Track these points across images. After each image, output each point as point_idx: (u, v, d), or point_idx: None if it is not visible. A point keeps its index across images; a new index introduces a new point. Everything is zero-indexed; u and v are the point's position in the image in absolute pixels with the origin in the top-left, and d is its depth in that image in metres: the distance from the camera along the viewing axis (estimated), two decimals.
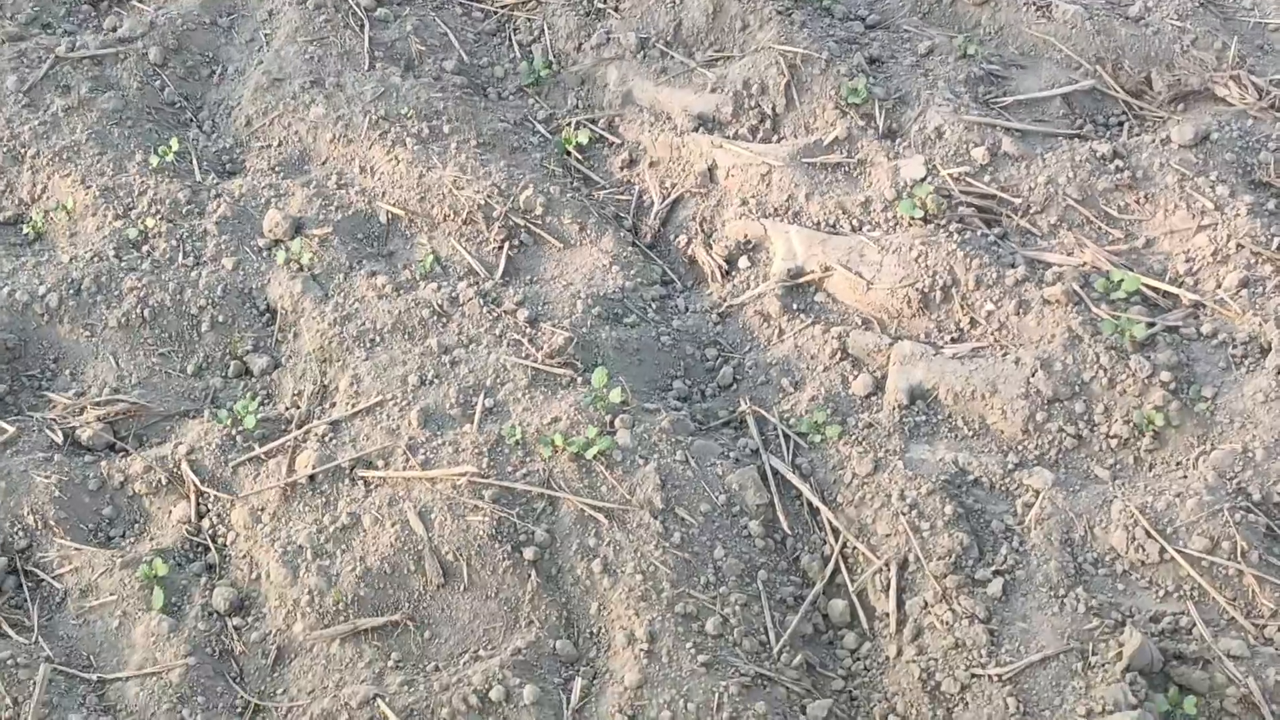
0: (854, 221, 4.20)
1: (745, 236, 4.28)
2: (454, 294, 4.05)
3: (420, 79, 4.78)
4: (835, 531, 3.49)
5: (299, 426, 3.81)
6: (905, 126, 4.45)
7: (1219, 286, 3.86)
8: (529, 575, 3.36)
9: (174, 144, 4.59)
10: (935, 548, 3.36)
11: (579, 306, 4.00)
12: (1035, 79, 4.58)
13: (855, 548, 3.44)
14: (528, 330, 3.93)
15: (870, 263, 4.02)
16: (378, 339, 3.96)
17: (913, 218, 4.12)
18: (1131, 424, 3.59)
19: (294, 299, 4.11)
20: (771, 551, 3.47)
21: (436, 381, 3.80)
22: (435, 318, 3.98)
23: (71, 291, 4.10)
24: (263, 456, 3.71)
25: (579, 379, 3.78)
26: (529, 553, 3.38)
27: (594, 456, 3.52)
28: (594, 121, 4.76)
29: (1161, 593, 3.29)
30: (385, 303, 4.04)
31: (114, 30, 5.01)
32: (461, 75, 4.91)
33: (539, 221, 4.32)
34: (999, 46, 4.72)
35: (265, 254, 4.28)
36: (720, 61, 4.78)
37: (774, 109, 4.58)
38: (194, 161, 4.58)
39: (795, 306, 4.07)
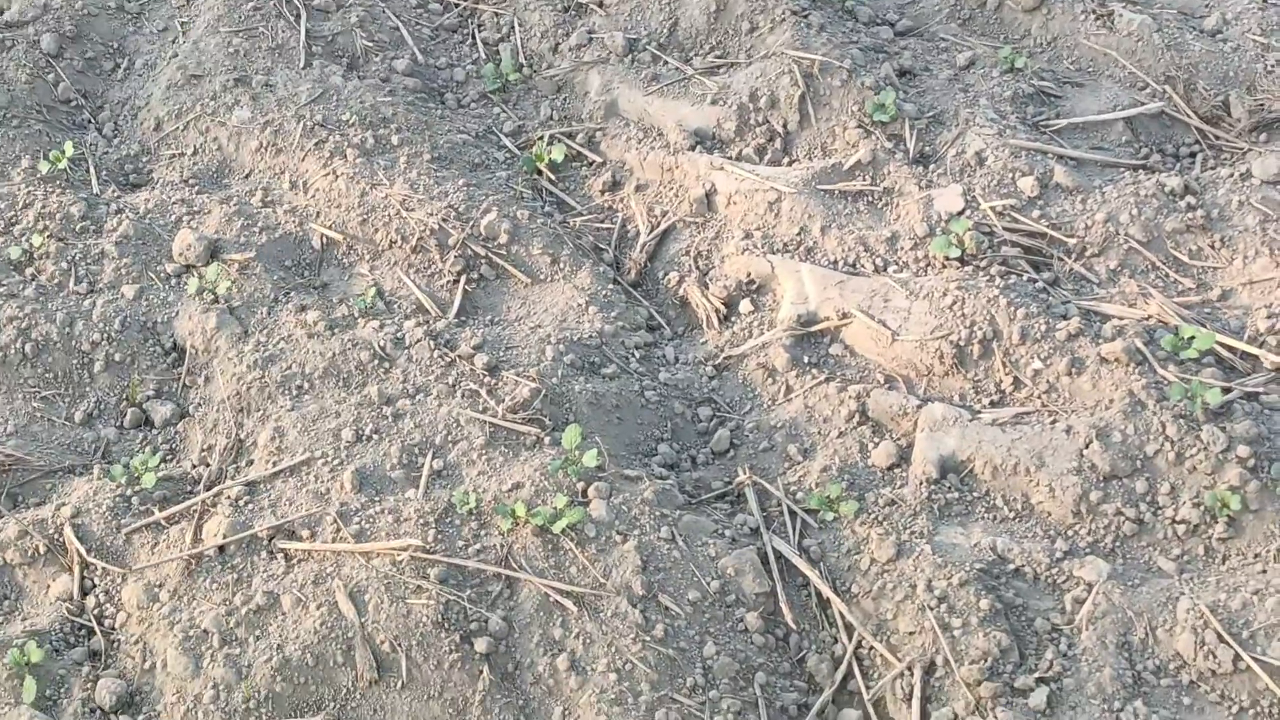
0: (878, 261, 4.22)
1: (748, 275, 4.29)
2: (399, 335, 4.06)
3: (365, 80, 4.81)
4: (849, 628, 3.48)
5: (208, 488, 3.80)
6: (940, 150, 4.49)
7: None
8: (480, 671, 3.34)
9: (68, 149, 4.61)
10: (968, 649, 3.35)
11: (548, 353, 4.01)
12: (1094, 99, 4.63)
13: (872, 648, 3.43)
14: (486, 380, 3.94)
15: (896, 310, 4.04)
16: (306, 386, 3.97)
17: (947, 258, 4.15)
18: (1202, 507, 3.59)
19: (207, 336, 4.11)
20: (772, 650, 3.46)
21: (376, 438, 3.80)
22: (376, 362, 3.99)
23: None
24: (163, 523, 3.70)
25: (546, 439, 3.79)
26: (481, 644, 3.37)
27: (562, 531, 3.52)
28: (571, 136, 4.78)
29: (1235, 709, 3.28)
30: (316, 343, 4.05)
31: (0, 13, 5.04)
32: (415, 77, 4.95)
33: (503, 252, 4.32)
34: (1051, 60, 4.78)
35: (174, 282, 4.29)
36: (723, 69, 4.82)
37: (785, 126, 4.61)
38: (91, 170, 4.60)
39: (806, 360, 4.08)
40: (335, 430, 3.83)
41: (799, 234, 4.34)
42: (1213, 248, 4.17)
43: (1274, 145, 4.46)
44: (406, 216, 4.35)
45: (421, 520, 3.58)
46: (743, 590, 3.52)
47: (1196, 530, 3.60)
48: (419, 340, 4.04)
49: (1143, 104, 4.61)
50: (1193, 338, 3.85)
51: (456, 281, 4.27)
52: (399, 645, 3.36)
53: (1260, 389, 3.80)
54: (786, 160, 4.60)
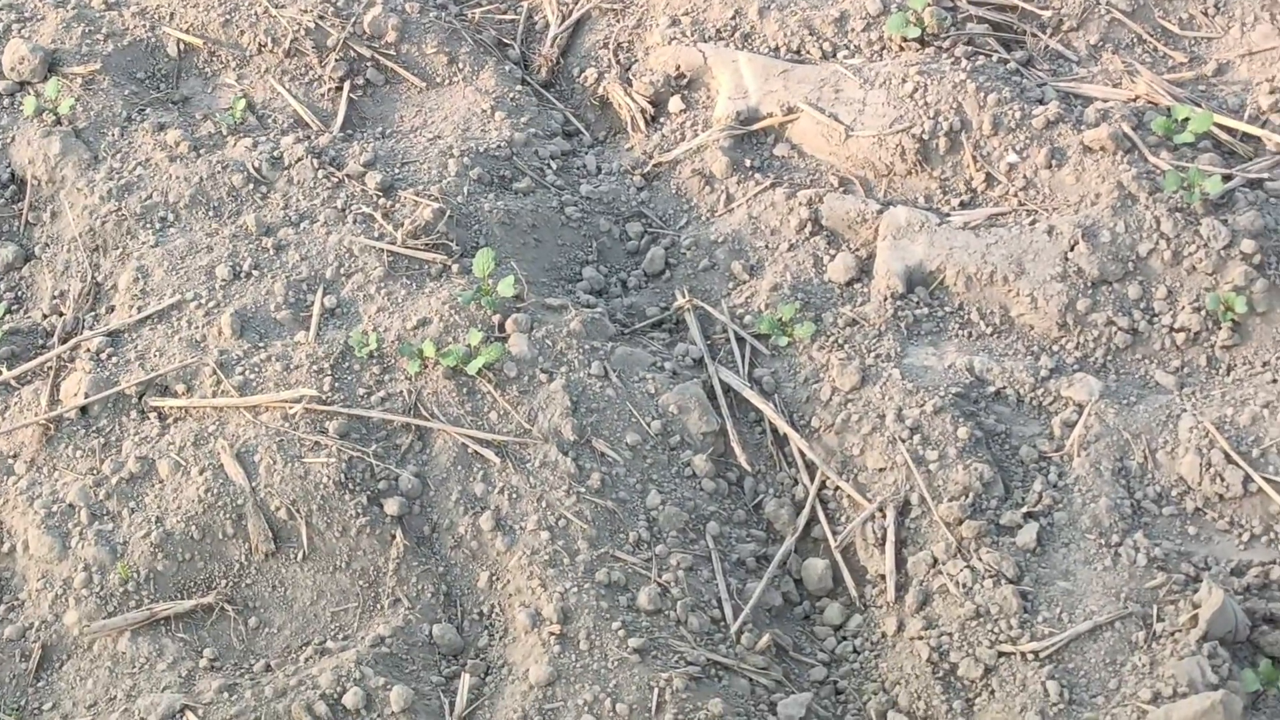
0: (826, 46, 4.19)
1: (677, 68, 4.26)
2: (276, 153, 4.01)
3: None
4: (810, 467, 3.48)
5: (63, 340, 3.74)
6: None
7: None
8: (393, 536, 3.31)
9: None
10: (946, 485, 3.35)
11: (451, 168, 3.97)
12: None
13: (838, 488, 3.44)
14: (381, 201, 3.89)
15: (849, 101, 4.01)
16: (171, 217, 3.91)
17: (905, 39, 4.12)
18: (1203, 312, 3.59)
19: (50, 164, 4.05)
20: (724, 496, 3.46)
21: (256, 274, 3.76)
22: (251, 187, 3.94)
23: None
24: (12, 383, 3.64)
25: (454, 267, 3.76)
26: (392, 505, 3.33)
27: (478, 372, 3.49)
28: None
29: (1246, 536, 3.29)
30: (180, 167, 3.99)
31: None
32: None
33: (391, 52, 4.30)
34: None
35: (6, 103, 4.22)
36: None
37: None
38: None
39: (748, 163, 4.07)
40: (208, 267, 3.78)
41: (733, 17, 4.30)
42: (1206, 15, 4.15)
43: None
44: (276, 15, 4.30)
45: (315, 367, 3.54)
46: (688, 430, 3.50)
47: (1197, 338, 3.60)
48: (300, 159, 3.99)
49: None
50: (1187, 119, 3.82)
51: (339, 89, 4.24)
52: (297, 511, 3.33)
53: (1265, 174, 3.78)
54: None
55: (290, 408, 3.45)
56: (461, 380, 3.50)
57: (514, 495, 3.34)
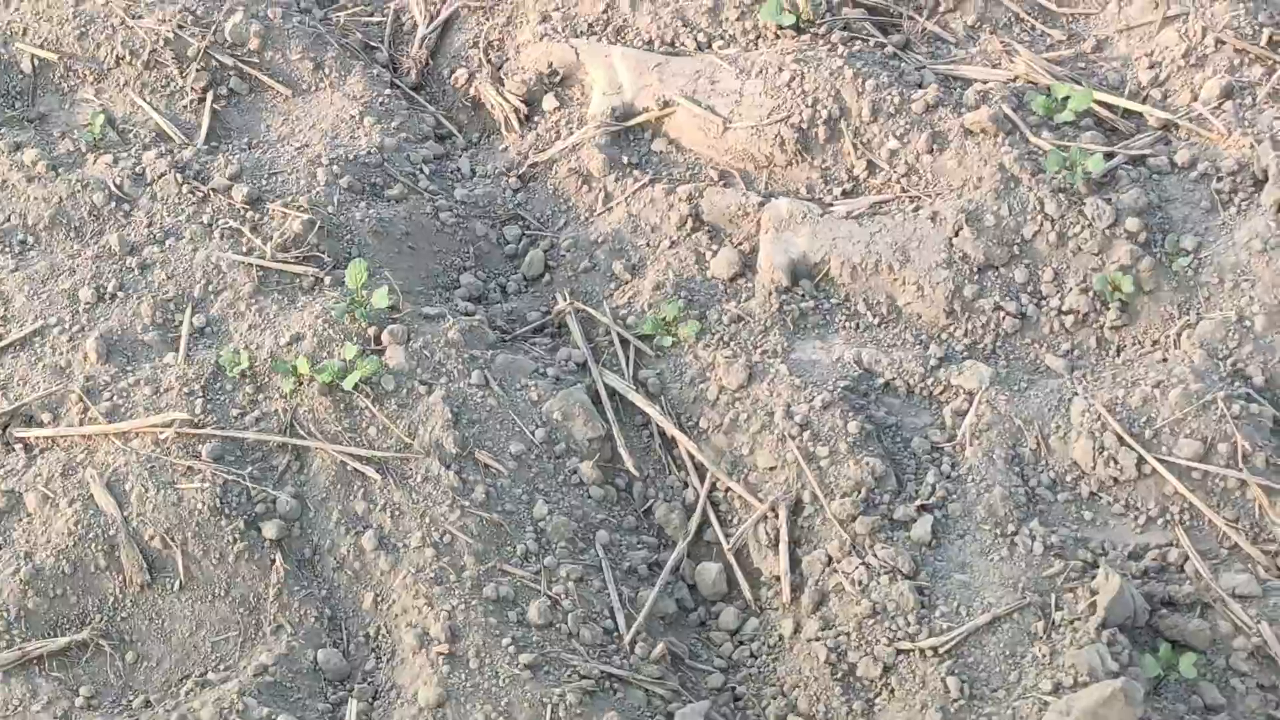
0: (700, 36, 4.17)
1: (550, 65, 4.24)
2: (138, 169, 3.95)
3: None
4: (700, 469, 3.47)
5: None
6: None
7: (1195, 99, 3.89)
8: (272, 561, 3.26)
9: None
10: (838, 481, 3.34)
11: (320, 177, 3.92)
12: None
13: (729, 489, 3.42)
14: (249, 214, 3.84)
15: (726, 93, 3.99)
16: (31, 240, 3.84)
17: (780, 26, 4.10)
18: (1091, 293, 3.60)
19: None
20: (613, 503, 3.44)
21: (121, 295, 3.69)
22: (113, 205, 3.87)
23: None
24: None
25: (327, 279, 3.71)
26: (270, 529, 3.28)
27: (355, 386, 3.44)
28: None
29: (1142, 519, 3.31)
30: (38, 187, 3.92)
31: None
32: None
33: (255, 60, 4.25)
34: None
35: None
36: None
37: None
38: None
39: (626, 160, 4.04)
40: (71, 290, 3.72)
41: (605, 11, 4.28)
42: None
43: None
44: (134, 26, 4.23)
45: (186, 389, 3.49)
46: (573, 437, 3.48)
47: (1086, 320, 3.61)
48: (163, 174, 3.93)
49: None
50: (1067, 98, 3.83)
51: (202, 100, 4.19)
52: (172, 539, 3.26)
53: (1147, 150, 3.81)
54: None
55: (161, 432, 3.39)
56: (338, 396, 3.45)
57: (396, 512, 3.30)
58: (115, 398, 3.48)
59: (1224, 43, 3.92)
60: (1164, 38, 3.99)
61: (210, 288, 3.69)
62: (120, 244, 3.78)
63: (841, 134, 3.89)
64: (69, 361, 3.57)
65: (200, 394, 3.47)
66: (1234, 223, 3.63)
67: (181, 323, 3.63)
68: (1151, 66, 3.98)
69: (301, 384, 3.46)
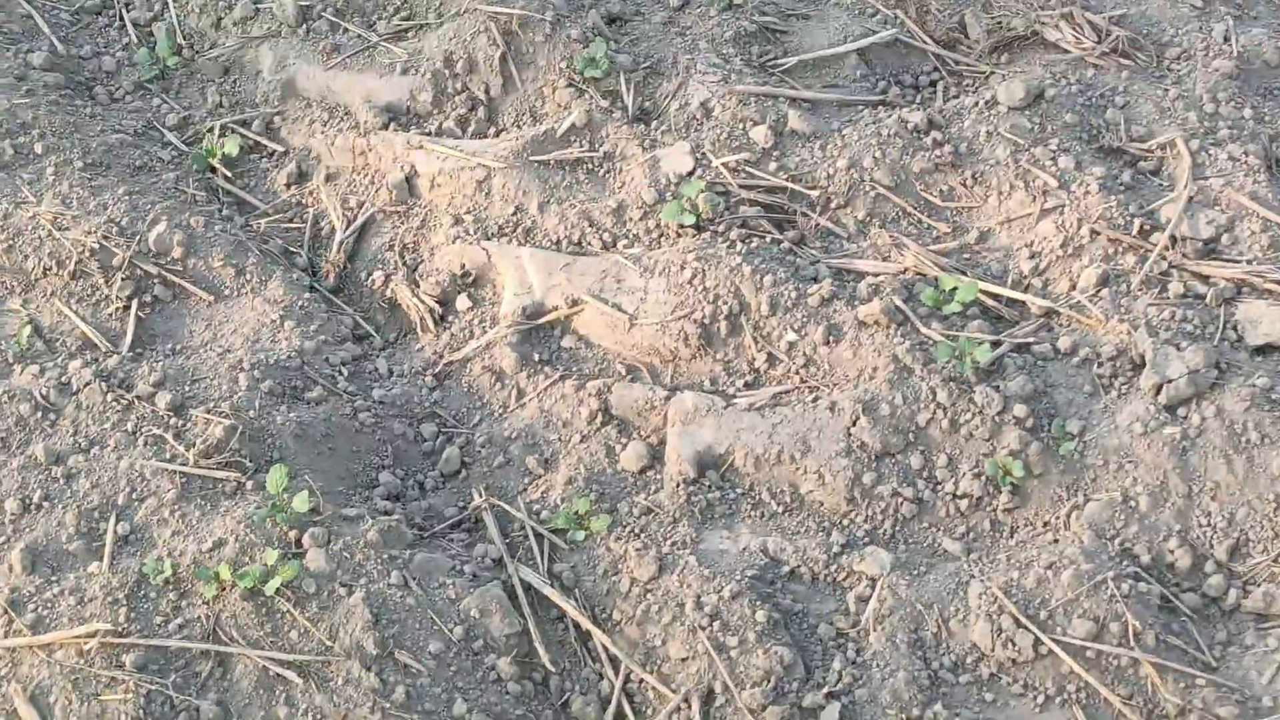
0: (605, 236, 4.20)
1: (462, 267, 4.24)
2: (64, 379, 3.90)
3: None
4: (614, 661, 3.44)
5: None
6: (662, 105, 4.45)
7: (1074, 287, 3.94)
8: None
9: None
10: (748, 670, 3.32)
11: (242, 382, 3.89)
12: (823, 32, 4.62)
13: (643, 680, 3.40)
14: (172, 421, 3.79)
15: (631, 290, 4.01)
16: None
17: (682, 225, 4.13)
18: (983, 477, 3.62)
19: None
20: (531, 698, 3.40)
21: (46, 505, 3.65)
22: (39, 415, 3.83)
23: None
24: None
25: (249, 484, 3.67)
26: None
27: (276, 591, 3.40)
28: (245, 124, 4.68)
29: (1041, 698, 3.31)
30: None
31: None
32: (56, 71, 4.78)
33: (178, 268, 4.22)
34: None
35: None
36: (412, 32, 4.73)
37: (488, 91, 4.55)
38: None
39: (537, 357, 4.04)
40: None
41: (515, 214, 4.30)
42: (965, 185, 4.20)
43: (1016, 66, 4.50)
44: (60, 237, 4.20)
45: (110, 598, 3.43)
46: (491, 633, 3.44)
47: (980, 504, 3.63)
48: (88, 383, 3.88)
49: (875, 32, 4.61)
50: (954, 289, 3.87)
51: (127, 308, 4.15)
52: None
53: (1031, 338, 3.83)
54: (493, 131, 4.53)
55: (85, 643, 3.32)
56: (260, 600, 3.40)
57: (318, 716, 3.25)
58: (40, 609, 3.41)
59: (1098, 233, 3.97)
60: (1042, 229, 4.04)
61: (134, 495, 3.64)
62: (46, 454, 3.72)
63: (742, 328, 3.91)
64: None
65: (124, 603, 3.40)
66: (1115, 406, 3.67)
67: (106, 531, 3.57)
68: (1032, 256, 4.02)
69: (224, 589, 3.41)
